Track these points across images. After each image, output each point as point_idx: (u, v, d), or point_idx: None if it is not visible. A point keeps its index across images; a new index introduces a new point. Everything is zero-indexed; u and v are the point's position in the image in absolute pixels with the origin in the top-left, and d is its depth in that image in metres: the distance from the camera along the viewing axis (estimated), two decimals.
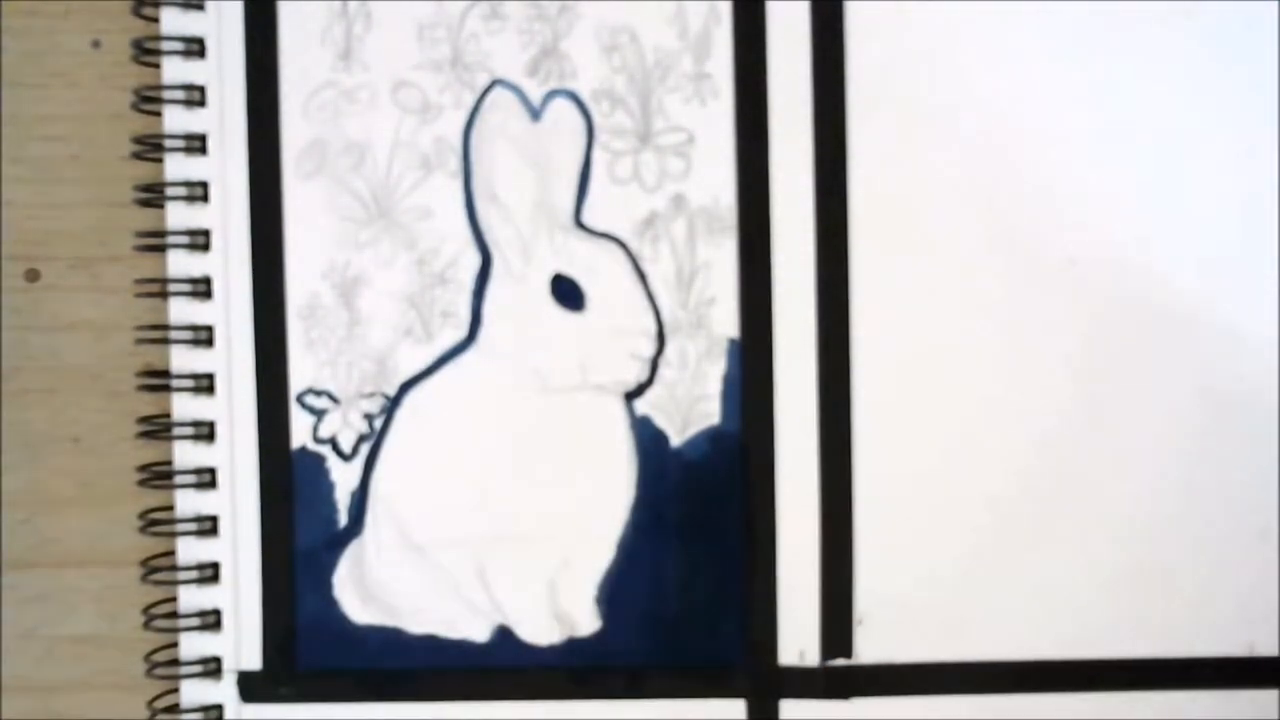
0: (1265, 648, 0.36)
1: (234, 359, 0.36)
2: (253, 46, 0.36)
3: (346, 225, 0.37)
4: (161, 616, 0.37)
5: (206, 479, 0.37)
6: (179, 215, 0.36)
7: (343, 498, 0.37)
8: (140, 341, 0.37)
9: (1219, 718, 0.36)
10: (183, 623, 0.37)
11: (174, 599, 0.37)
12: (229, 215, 0.36)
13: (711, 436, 0.36)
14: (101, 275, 0.37)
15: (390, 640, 0.37)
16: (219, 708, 0.37)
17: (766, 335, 0.36)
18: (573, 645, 0.37)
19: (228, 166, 0.36)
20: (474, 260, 0.37)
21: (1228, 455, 0.36)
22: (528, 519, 0.37)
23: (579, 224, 0.36)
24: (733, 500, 0.36)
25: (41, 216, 0.37)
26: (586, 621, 0.37)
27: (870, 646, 0.37)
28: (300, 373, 0.37)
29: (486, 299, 0.37)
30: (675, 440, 0.36)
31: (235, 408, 0.37)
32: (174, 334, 0.36)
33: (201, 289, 0.36)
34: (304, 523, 0.37)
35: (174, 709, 0.37)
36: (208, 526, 0.37)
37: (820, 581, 0.36)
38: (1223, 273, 0.36)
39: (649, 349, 0.36)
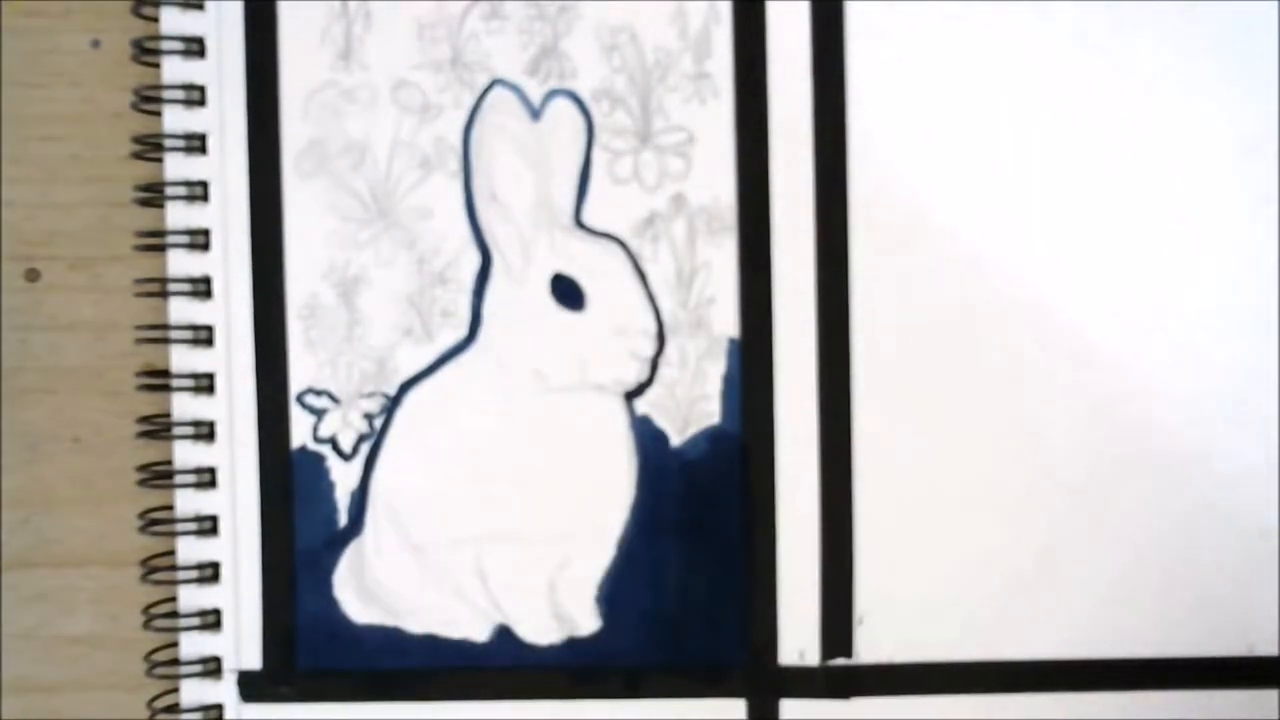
0: (1265, 648, 0.36)
1: (234, 359, 0.36)
2: (253, 46, 0.36)
3: (346, 225, 0.37)
4: (161, 616, 0.37)
5: (206, 479, 0.37)
6: (179, 215, 0.36)
7: (343, 497, 0.37)
8: (140, 341, 0.37)
9: (1219, 718, 0.36)
10: (183, 622, 0.37)
11: (174, 599, 0.37)
12: (229, 215, 0.36)
13: (711, 436, 0.36)
14: (101, 275, 0.37)
15: (390, 640, 0.37)
16: (219, 708, 0.37)
17: (766, 335, 0.36)
18: (573, 645, 0.37)
19: (228, 166, 0.36)
20: (474, 260, 0.37)
21: (1227, 455, 0.36)
22: (528, 519, 0.37)
23: (579, 224, 0.36)
24: (733, 500, 0.36)
25: (41, 216, 0.37)
26: (586, 621, 0.37)
27: (870, 646, 0.37)
28: (300, 373, 0.37)
29: (486, 299, 0.37)
30: (675, 440, 0.36)
31: (235, 408, 0.37)
32: (174, 334, 0.36)
33: (201, 289, 0.36)
34: (304, 523, 0.37)
35: (174, 709, 0.37)
36: (208, 526, 0.37)
37: (820, 581, 0.36)
38: (1223, 276, 0.36)
39: (649, 349, 0.36)
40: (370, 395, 0.37)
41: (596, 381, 0.36)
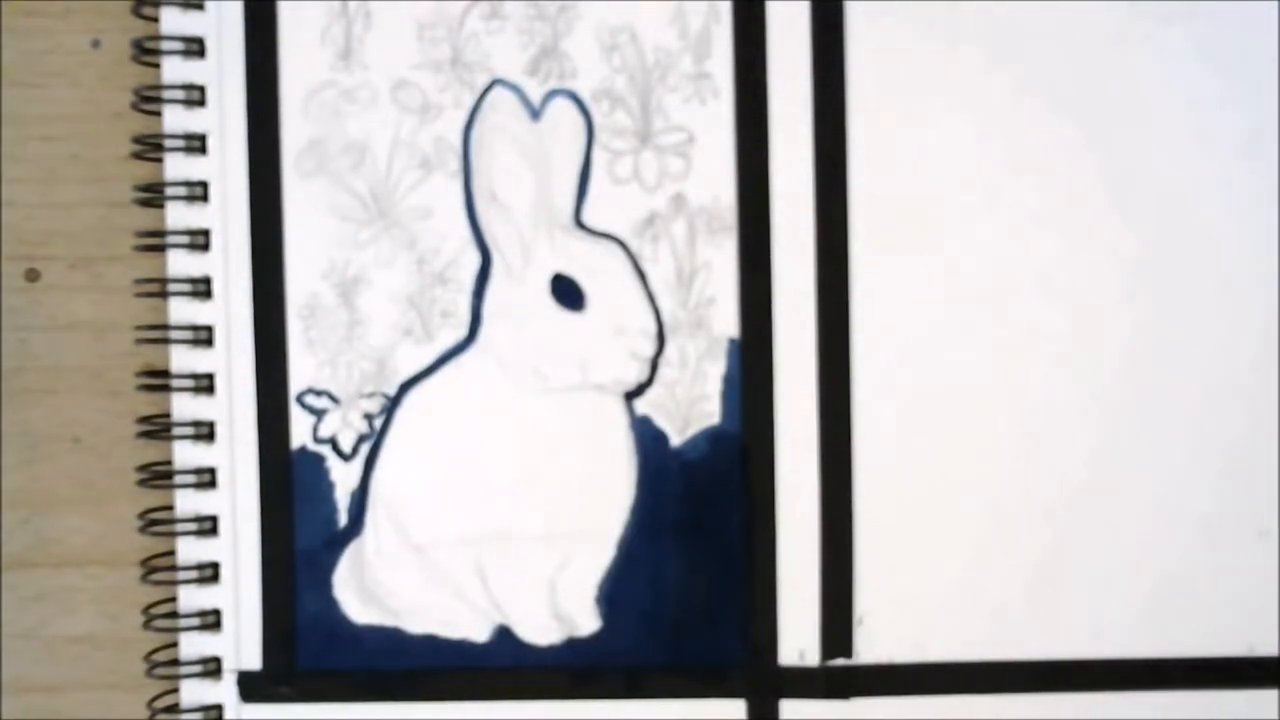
0: (1265, 648, 0.36)
1: (234, 359, 0.36)
2: (253, 46, 0.36)
3: (346, 225, 0.37)
4: (161, 616, 0.37)
5: (206, 479, 0.37)
6: (179, 215, 0.36)
7: (343, 498, 0.37)
8: (140, 341, 0.37)
9: (1219, 718, 0.36)
10: (183, 623, 0.37)
11: (174, 599, 0.37)
12: (229, 215, 0.36)
13: (711, 436, 0.36)
14: (101, 275, 0.37)
15: (390, 640, 0.37)
16: (219, 708, 0.37)
17: (766, 335, 0.36)
18: (573, 645, 0.37)
19: (228, 166, 0.36)
20: (474, 260, 0.37)
21: (1228, 455, 0.36)
22: (528, 519, 0.37)
23: (579, 224, 0.36)
24: (733, 500, 0.36)
25: (41, 216, 0.37)
26: (586, 621, 0.37)
27: (870, 646, 0.37)
28: (300, 373, 0.37)
29: (486, 299, 0.37)
30: (675, 440, 0.36)
31: (235, 408, 0.37)
32: (174, 334, 0.36)
33: (201, 289, 0.36)
34: (304, 523, 0.37)
35: (174, 709, 0.37)
36: (208, 526, 0.37)
37: (820, 581, 0.36)
38: (1224, 272, 0.36)
39: (649, 349, 0.36)
40: (370, 395, 0.37)
41: (596, 381, 0.36)
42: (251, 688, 0.37)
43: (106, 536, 0.37)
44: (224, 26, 0.36)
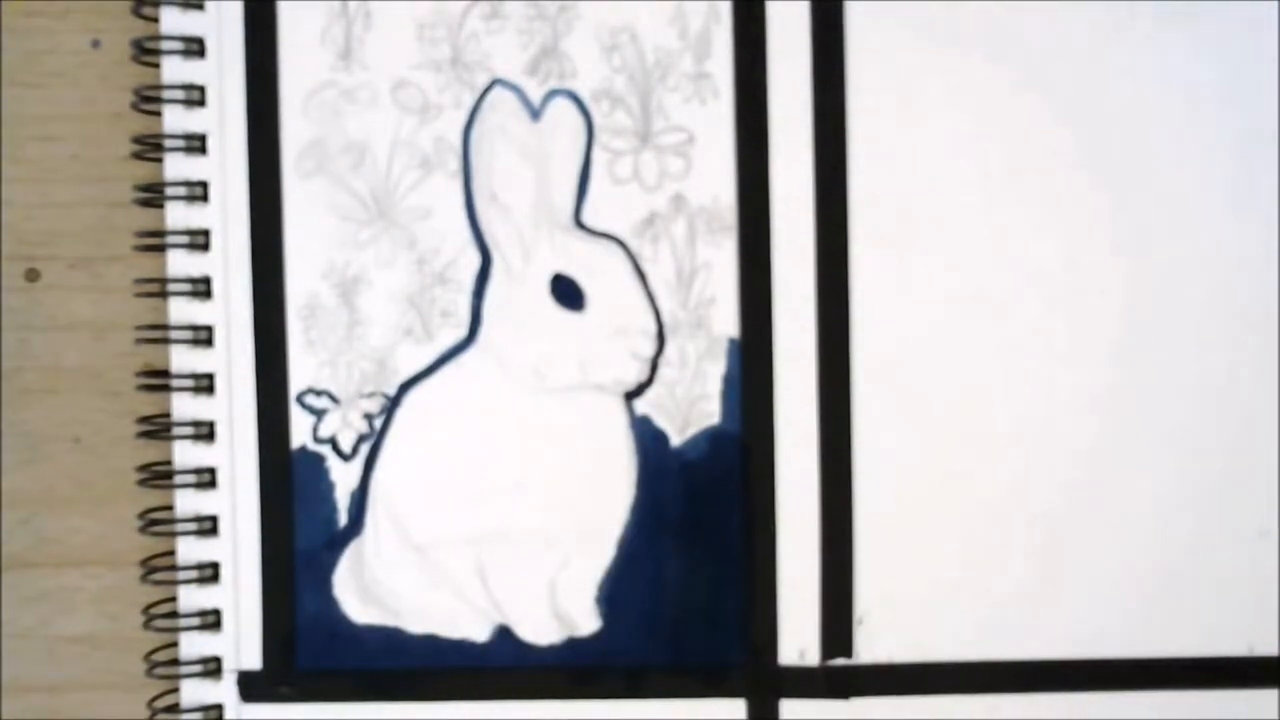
0: (1265, 648, 0.36)
1: (234, 359, 0.36)
2: (253, 46, 0.36)
3: (346, 225, 0.37)
4: (161, 616, 0.37)
5: (206, 479, 0.37)
6: (179, 215, 0.36)
7: (343, 498, 0.37)
8: (140, 341, 0.37)
9: (1219, 718, 0.36)
10: (183, 623, 0.37)
11: (174, 599, 0.37)
12: (229, 215, 0.36)
13: (711, 436, 0.36)
14: (101, 275, 0.37)
15: (390, 640, 0.37)
16: (219, 708, 0.37)
17: (766, 335, 0.36)
18: (573, 645, 0.37)
19: (228, 166, 0.36)
20: (474, 260, 0.37)
21: (1228, 455, 0.36)
22: (528, 519, 0.37)
23: (579, 224, 0.36)
24: (733, 500, 0.36)
25: (41, 216, 0.37)
26: (586, 621, 0.37)
27: (870, 646, 0.37)
28: (300, 373, 0.37)
29: (486, 299, 0.37)
30: (675, 440, 0.36)
31: (235, 408, 0.37)
32: (174, 334, 0.36)
33: (201, 289, 0.36)
34: (304, 523, 0.37)
35: (174, 709, 0.37)
36: (208, 526, 0.37)
37: (820, 581, 0.36)
38: (1223, 271, 0.36)
39: (649, 349, 0.36)
40: (370, 395, 0.37)
41: (596, 381, 0.36)
42: (251, 688, 0.37)
43: (106, 536, 0.37)
44: (224, 26, 0.36)
